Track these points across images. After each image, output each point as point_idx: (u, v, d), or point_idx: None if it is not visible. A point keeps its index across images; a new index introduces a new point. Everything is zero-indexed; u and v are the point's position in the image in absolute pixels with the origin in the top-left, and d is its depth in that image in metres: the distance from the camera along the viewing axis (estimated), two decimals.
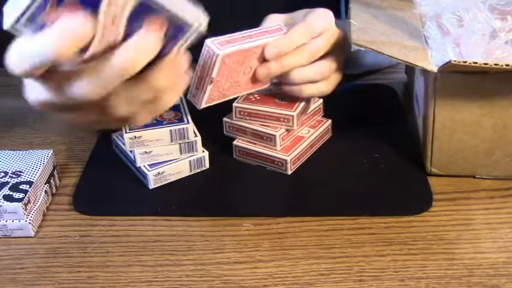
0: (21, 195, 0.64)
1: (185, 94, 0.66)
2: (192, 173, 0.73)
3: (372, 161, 0.74)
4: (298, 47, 0.68)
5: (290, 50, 0.67)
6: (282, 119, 0.71)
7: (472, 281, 0.57)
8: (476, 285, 0.57)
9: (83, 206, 0.69)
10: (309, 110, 0.76)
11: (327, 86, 0.72)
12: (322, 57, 0.70)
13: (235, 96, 0.71)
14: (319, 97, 0.76)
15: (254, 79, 0.70)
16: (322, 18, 0.70)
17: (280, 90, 0.73)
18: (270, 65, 0.68)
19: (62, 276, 0.60)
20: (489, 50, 0.66)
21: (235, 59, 0.65)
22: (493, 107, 0.65)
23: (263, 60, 0.68)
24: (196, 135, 0.71)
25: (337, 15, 0.79)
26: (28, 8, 0.40)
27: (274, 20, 0.73)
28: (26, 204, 0.64)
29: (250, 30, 0.68)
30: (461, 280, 0.57)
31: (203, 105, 0.68)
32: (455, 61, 0.60)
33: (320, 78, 0.71)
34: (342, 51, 0.72)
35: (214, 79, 0.65)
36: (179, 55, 0.48)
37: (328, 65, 0.70)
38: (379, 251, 0.61)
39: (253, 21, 0.73)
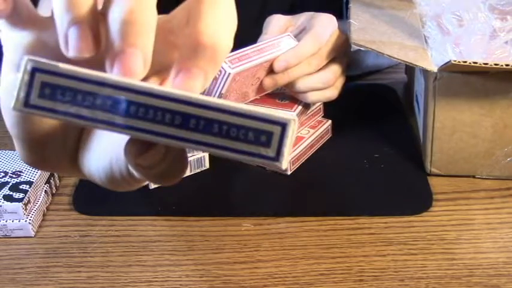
0: (21, 195, 0.64)
1: None
2: (192, 173, 0.72)
3: (372, 161, 0.74)
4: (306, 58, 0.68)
5: (299, 63, 0.67)
6: None
7: (472, 281, 0.57)
8: (476, 285, 0.57)
9: (83, 206, 0.69)
10: (309, 111, 0.75)
11: (333, 92, 0.72)
12: (326, 64, 0.71)
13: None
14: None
15: (260, 88, 0.70)
16: (328, 26, 0.70)
17: (280, 91, 0.73)
18: (277, 76, 0.68)
19: (62, 276, 0.60)
20: (489, 50, 0.66)
21: (245, 74, 0.65)
22: (493, 107, 0.65)
23: (271, 70, 0.68)
24: None
25: (340, 15, 0.79)
26: None
27: (277, 21, 0.73)
28: (26, 204, 0.64)
29: (260, 43, 0.68)
30: (461, 280, 0.57)
31: None
32: (455, 61, 0.60)
33: (326, 86, 0.71)
34: (345, 55, 0.73)
35: (224, 95, 0.65)
36: None
37: (333, 72, 0.71)
38: (379, 251, 0.61)
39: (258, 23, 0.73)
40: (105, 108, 0.25)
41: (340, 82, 0.73)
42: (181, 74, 0.27)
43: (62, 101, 0.26)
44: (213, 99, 0.25)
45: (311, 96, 0.71)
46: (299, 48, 0.68)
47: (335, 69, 0.71)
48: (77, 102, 0.25)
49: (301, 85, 0.69)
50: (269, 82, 0.69)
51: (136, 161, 0.28)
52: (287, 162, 0.25)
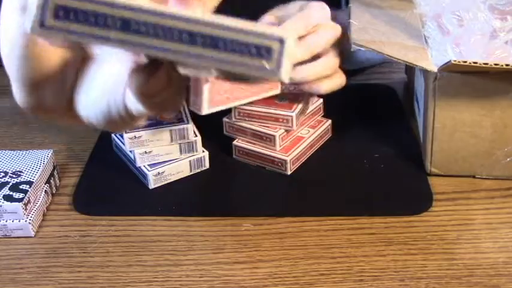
0: (21, 195, 0.64)
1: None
2: (192, 173, 0.72)
3: (372, 161, 0.74)
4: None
5: None
6: (281, 120, 0.71)
7: (472, 281, 0.57)
8: (476, 285, 0.57)
9: (83, 206, 0.69)
10: (309, 110, 0.75)
11: (342, 79, 0.71)
12: (326, 52, 0.70)
13: (244, 101, 0.70)
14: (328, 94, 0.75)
15: None
16: (318, 10, 0.69)
17: (283, 90, 0.73)
18: None
19: (62, 276, 0.60)
20: (489, 50, 0.66)
21: None
22: (493, 107, 0.65)
23: None
24: (196, 135, 0.71)
25: (338, 7, 0.79)
26: None
27: (266, 19, 0.72)
28: (26, 204, 0.64)
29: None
30: (461, 280, 0.57)
31: (206, 110, 0.66)
32: (455, 61, 0.60)
33: (332, 71, 0.70)
34: (339, 45, 0.72)
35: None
36: None
37: (334, 57, 0.70)
38: (379, 251, 0.61)
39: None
40: (117, 28, 0.28)
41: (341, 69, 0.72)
42: (179, 2, 0.29)
43: (75, 21, 0.28)
44: (219, 18, 0.28)
45: (323, 86, 0.70)
46: (284, 26, 0.67)
47: (335, 56, 0.70)
48: (90, 23, 0.28)
49: (306, 72, 0.68)
50: None
51: (141, 89, 0.30)
52: (287, 75, 0.28)
